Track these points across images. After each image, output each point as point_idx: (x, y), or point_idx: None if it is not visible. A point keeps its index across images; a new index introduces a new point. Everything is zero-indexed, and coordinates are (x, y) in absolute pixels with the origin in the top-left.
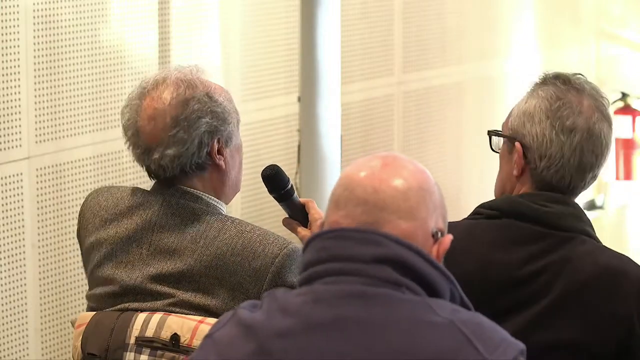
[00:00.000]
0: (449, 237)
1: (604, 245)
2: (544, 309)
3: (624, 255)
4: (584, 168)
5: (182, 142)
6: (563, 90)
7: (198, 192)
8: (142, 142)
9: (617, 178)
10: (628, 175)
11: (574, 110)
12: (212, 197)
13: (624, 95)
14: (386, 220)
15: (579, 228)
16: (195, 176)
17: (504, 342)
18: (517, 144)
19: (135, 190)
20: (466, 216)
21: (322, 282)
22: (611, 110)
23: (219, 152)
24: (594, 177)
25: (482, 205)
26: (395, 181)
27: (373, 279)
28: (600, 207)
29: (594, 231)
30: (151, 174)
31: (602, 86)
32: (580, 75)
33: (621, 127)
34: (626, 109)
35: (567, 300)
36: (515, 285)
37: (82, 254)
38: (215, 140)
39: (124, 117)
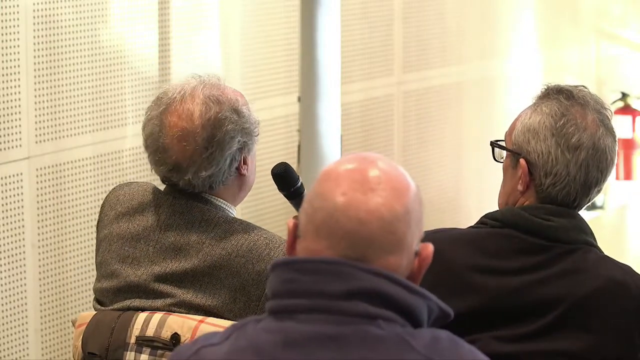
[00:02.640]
0: (430, 248)
1: (607, 256)
2: (545, 320)
3: (625, 265)
4: (590, 184)
5: (215, 163)
6: (567, 105)
7: (210, 196)
8: (171, 161)
9: (617, 178)
10: (628, 175)
11: (579, 126)
12: (222, 200)
13: (624, 95)
14: (373, 256)
15: (581, 240)
16: (219, 189)
17: None
18: (521, 160)
19: (151, 189)
20: (466, 220)
21: (294, 320)
22: (611, 109)
23: (244, 161)
24: (599, 191)
25: (486, 216)
26: (382, 211)
27: (346, 316)
28: (600, 207)
29: (596, 242)
30: (171, 185)
31: (602, 86)
32: (582, 88)
33: (621, 127)
34: (626, 109)
35: (569, 312)
36: (516, 294)
37: (95, 243)
38: (243, 154)
39: (145, 130)
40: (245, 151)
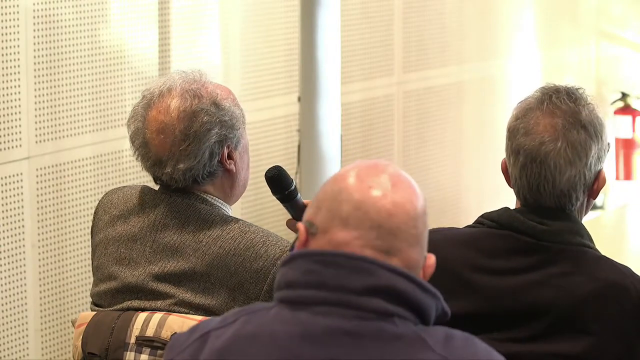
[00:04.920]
0: (433, 258)
1: (605, 257)
2: (544, 321)
3: (624, 267)
4: (538, 189)
5: (193, 156)
6: (529, 108)
7: (204, 194)
8: (152, 155)
9: (617, 178)
10: (628, 175)
11: (526, 130)
12: (218, 199)
13: (624, 95)
14: (398, 248)
15: (576, 243)
16: (206, 184)
17: None
18: (502, 160)
19: (145, 190)
20: (466, 220)
21: (310, 311)
22: (610, 110)
23: (229, 156)
24: (566, 196)
25: (483, 216)
26: (407, 206)
27: (364, 312)
28: (600, 207)
29: (593, 244)
30: (161, 183)
31: (602, 86)
32: (573, 91)
33: (621, 127)
34: (626, 109)
35: (568, 314)
36: (513, 294)
37: (91, 249)
38: (225, 147)
39: (129, 128)
40: (229, 145)
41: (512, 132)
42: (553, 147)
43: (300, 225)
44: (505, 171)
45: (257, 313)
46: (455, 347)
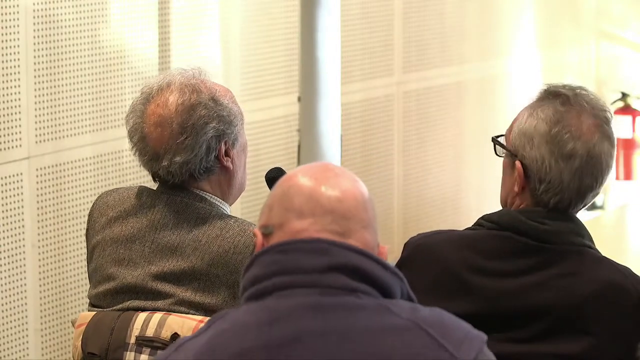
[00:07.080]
0: (385, 248)
1: (605, 257)
2: (543, 322)
3: (624, 267)
4: (585, 191)
5: (190, 149)
6: (562, 112)
7: (202, 192)
8: (150, 149)
9: (617, 178)
10: (628, 175)
11: (573, 134)
12: (216, 198)
13: (624, 95)
14: (352, 230)
15: (577, 243)
16: (203, 179)
17: (467, 336)
18: (517, 163)
19: (142, 190)
20: (466, 220)
21: (275, 296)
22: (611, 110)
23: (226, 153)
24: (595, 195)
25: (483, 218)
26: (354, 192)
27: (328, 288)
28: (600, 207)
29: (593, 244)
30: (159, 179)
31: (602, 86)
32: (581, 90)
33: (621, 127)
34: (626, 109)
35: (568, 315)
36: (514, 296)
37: (87, 252)
38: (223, 143)
39: (128, 123)
40: (226, 142)
41: (554, 137)
42: (603, 147)
43: (256, 231)
44: (524, 175)
45: (229, 314)
46: (422, 314)
